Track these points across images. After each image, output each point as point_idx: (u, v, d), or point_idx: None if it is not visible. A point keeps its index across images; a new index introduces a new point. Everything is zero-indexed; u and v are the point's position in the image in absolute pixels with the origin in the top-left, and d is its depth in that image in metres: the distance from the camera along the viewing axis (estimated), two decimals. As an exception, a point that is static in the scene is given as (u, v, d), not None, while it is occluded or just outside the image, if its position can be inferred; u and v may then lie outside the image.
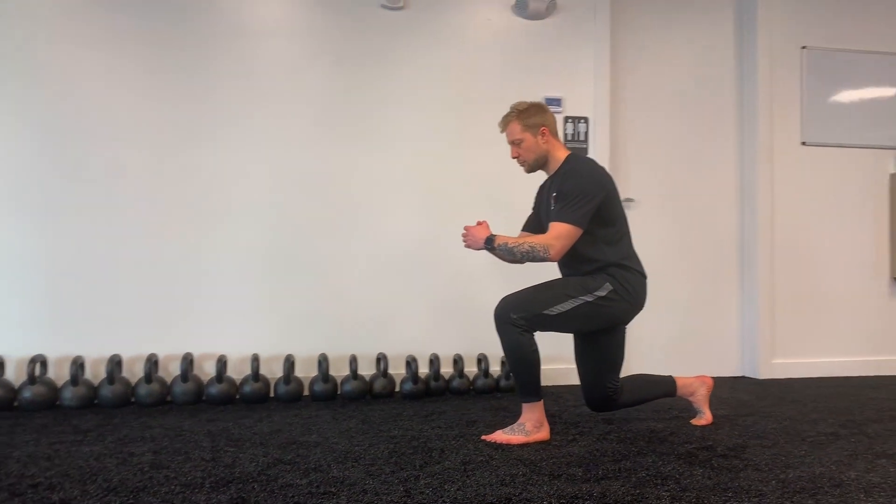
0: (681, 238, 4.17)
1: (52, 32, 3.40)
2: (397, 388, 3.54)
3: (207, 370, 3.46)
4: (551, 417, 2.89)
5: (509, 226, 3.03)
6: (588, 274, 2.58)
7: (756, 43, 4.20)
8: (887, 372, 4.30)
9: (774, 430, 2.75)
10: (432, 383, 3.50)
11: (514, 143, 2.69)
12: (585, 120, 3.95)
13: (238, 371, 3.48)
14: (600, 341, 2.66)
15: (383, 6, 3.73)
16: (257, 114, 3.60)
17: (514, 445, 2.47)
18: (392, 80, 3.74)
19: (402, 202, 3.74)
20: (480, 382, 3.56)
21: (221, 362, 3.31)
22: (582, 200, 2.49)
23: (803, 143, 4.28)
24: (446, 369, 3.65)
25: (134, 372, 3.39)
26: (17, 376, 3.27)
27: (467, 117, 3.81)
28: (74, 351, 3.34)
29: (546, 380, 2.57)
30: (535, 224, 2.82)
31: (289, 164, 3.62)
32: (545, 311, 2.48)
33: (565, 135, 3.90)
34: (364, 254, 3.68)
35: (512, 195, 3.64)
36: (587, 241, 2.56)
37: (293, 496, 1.90)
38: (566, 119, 3.91)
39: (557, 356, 3.63)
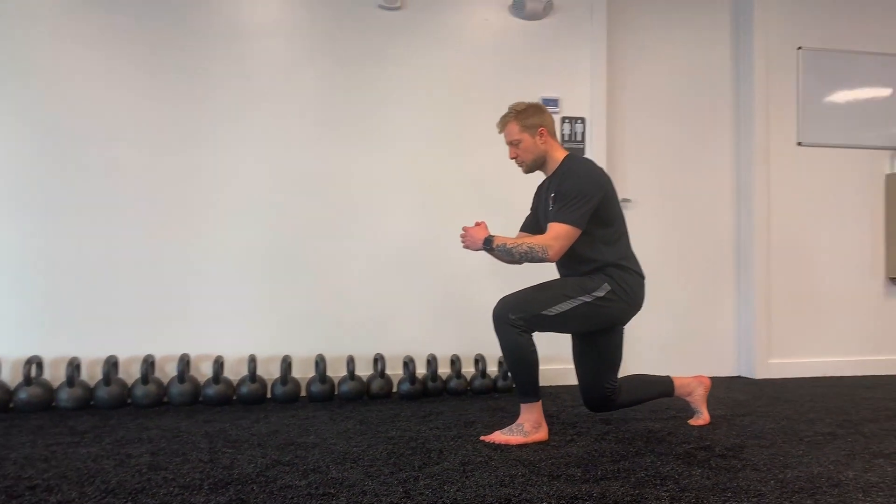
0: (677, 238, 4.18)
1: (51, 32, 3.38)
2: (395, 389, 3.54)
3: (204, 371, 3.45)
4: (549, 418, 2.89)
5: (507, 226, 3.03)
6: (586, 274, 2.58)
7: (752, 43, 4.21)
8: (882, 371, 4.31)
9: (772, 429, 2.76)
10: (430, 384, 3.50)
11: (513, 144, 2.69)
12: (582, 120, 3.95)
13: (235, 372, 3.47)
14: (599, 341, 2.66)
15: (380, 6, 3.72)
16: (255, 114, 3.59)
17: (512, 446, 2.47)
18: (389, 80, 3.74)
19: (399, 202, 3.74)
20: (478, 383, 3.56)
21: (218, 363, 3.30)
22: (580, 201, 2.50)
23: (799, 144, 4.29)
24: (444, 370, 3.65)
25: (130, 373, 3.37)
26: (12, 377, 3.25)
27: (465, 117, 3.81)
28: (70, 352, 3.33)
29: (544, 380, 2.58)
30: (534, 224, 2.82)
31: (286, 165, 3.62)
32: (544, 312, 2.48)
33: (562, 135, 3.91)
34: (361, 254, 3.68)
35: (510, 195, 3.64)
36: (585, 242, 2.56)
37: (293, 497, 1.89)
38: (563, 119, 3.92)
39: (555, 356, 3.64)
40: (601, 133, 3.96)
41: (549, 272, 2.80)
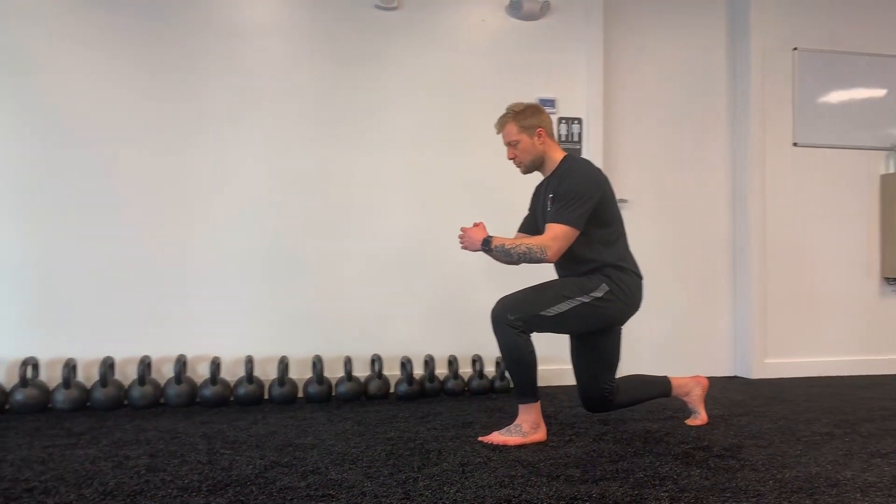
0: (674, 238, 4.19)
1: (49, 32, 3.37)
2: (392, 390, 3.53)
3: (201, 372, 3.44)
4: (547, 418, 2.88)
5: (505, 227, 3.02)
6: (584, 275, 2.58)
7: (748, 44, 4.22)
8: (877, 371, 4.33)
9: (769, 429, 2.77)
10: (427, 384, 3.50)
11: (511, 145, 2.69)
12: (579, 121, 3.96)
13: (232, 373, 3.46)
14: (596, 342, 2.67)
15: (377, 6, 3.72)
16: (251, 114, 3.58)
17: (511, 446, 2.47)
18: (386, 80, 3.74)
19: (397, 203, 3.73)
20: (475, 383, 3.56)
21: (215, 364, 3.29)
22: (579, 201, 2.50)
23: (795, 144, 4.31)
24: (441, 370, 3.65)
25: (127, 374, 3.36)
26: (8, 379, 3.24)
27: (462, 117, 3.81)
28: (66, 353, 3.31)
29: (541, 380, 2.57)
30: (532, 225, 2.82)
31: (282, 165, 3.61)
32: (542, 312, 2.48)
33: (559, 136, 3.91)
34: (358, 255, 3.68)
35: (507, 196, 3.63)
36: (583, 242, 2.56)
37: (292, 499, 1.89)
38: (560, 120, 3.92)
39: (552, 357, 3.63)
40: (598, 134, 3.96)
41: (547, 272, 2.80)
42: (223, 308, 3.51)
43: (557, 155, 2.69)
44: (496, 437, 2.52)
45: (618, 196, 3.87)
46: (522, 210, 2.94)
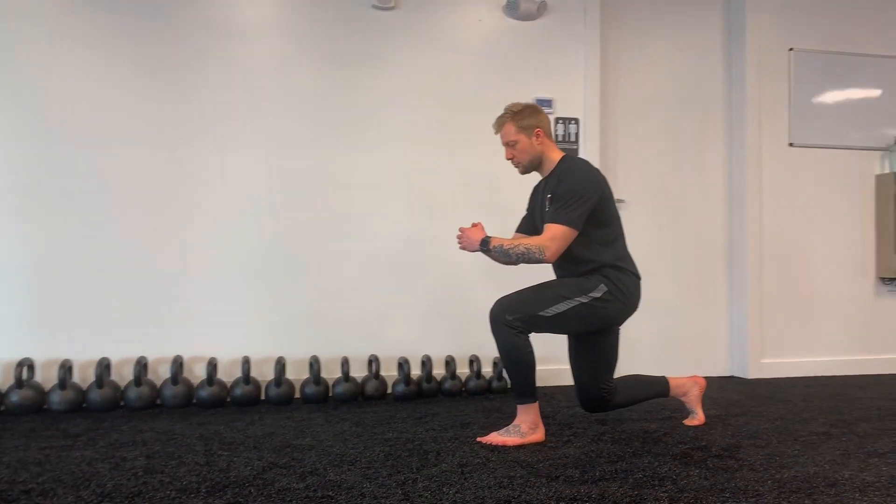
0: (670, 239, 4.19)
1: (45, 31, 3.35)
2: (389, 390, 3.52)
3: (198, 373, 3.43)
4: (545, 418, 2.88)
5: (504, 227, 3.03)
6: (583, 275, 2.58)
7: (744, 45, 4.23)
8: (872, 371, 4.34)
9: (767, 429, 2.77)
10: (424, 385, 3.49)
11: (509, 145, 2.68)
12: (576, 121, 3.96)
13: (229, 374, 3.45)
14: (595, 342, 2.67)
15: (374, 6, 3.71)
16: (248, 114, 3.57)
17: (509, 447, 2.47)
18: (383, 80, 3.73)
19: (393, 203, 3.73)
20: (472, 384, 3.56)
21: (212, 365, 3.28)
22: (577, 202, 2.50)
23: (791, 145, 4.32)
24: (438, 371, 3.64)
25: (123, 375, 3.34)
26: (3, 380, 3.22)
27: (459, 117, 3.81)
28: (62, 354, 3.30)
29: (539, 380, 2.57)
30: (530, 225, 2.82)
31: (279, 165, 3.60)
32: (540, 313, 2.48)
33: (556, 136, 3.91)
34: (356, 255, 3.67)
35: (506, 196, 3.64)
36: (582, 243, 2.56)
37: (291, 500, 1.88)
38: (557, 120, 3.92)
39: (550, 357, 3.62)
40: (594, 134, 3.97)
41: (545, 273, 2.80)
42: (220, 308, 3.50)
43: (555, 155, 2.69)
44: (495, 438, 2.52)
45: (615, 196, 3.90)
46: (520, 210, 2.94)
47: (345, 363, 3.40)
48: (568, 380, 3.41)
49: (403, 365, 3.45)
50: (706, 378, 3.17)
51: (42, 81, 3.35)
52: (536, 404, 2.56)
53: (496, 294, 2.68)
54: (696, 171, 4.26)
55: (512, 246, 2.52)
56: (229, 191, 3.54)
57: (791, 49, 4.31)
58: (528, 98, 3.69)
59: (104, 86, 3.42)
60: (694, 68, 4.28)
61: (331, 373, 3.53)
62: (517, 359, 2.48)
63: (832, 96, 4.38)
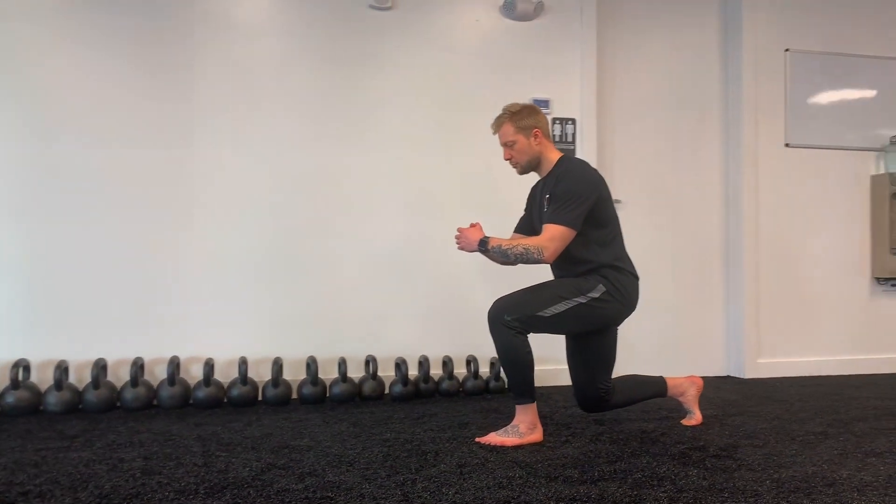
0: (666, 239, 4.20)
1: (44, 31, 3.33)
2: (387, 391, 3.52)
3: (194, 373, 3.42)
4: (542, 419, 2.88)
5: (501, 228, 3.02)
6: (581, 275, 2.58)
7: (741, 45, 4.24)
8: (868, 370, 4.35)
9: (764, 429, 2.78)
10: (422, 385, 3.49)
11: (507, 145, 2.68)
12: (573, 121, 3.96)
13: (225, 374, 3.44)
14: (592, 342, 2.67)
15: (371, 6, 3.71)
16: (245, 114, 3.56)
17: (508, 447, 2.47)
18: (380, 80, 3.73)
19: (390, 203, 3.72)
20: (470, 384, 3.56)
21: (209, 365, 3.27)
22: (575, 202, 2.50)
23: (787, 145, 4.33)
24: (435, 371, 3.64)
25: (119, 376, 3.33)
26: (-1, 381, 3.21)
27: (455, 118, 3.80)
28: (58, 355, 3.28)
29: (536, 381, 2.57)
30: (528, 225, 2.82)
31: (276, 165, 3.59)
32: (539, 313, 2.48)
33: (553, 136, 3.91)
34: (353, 255, 3.66)
35: (502, 196, 3.64)
36: (580, 243, 2.56)
37: (290, 501, 1.88)
38: (554, 120, 3.92)
39: (547, 357, 3.62)
40: (591, 134, 3.97)
41: (542, 273, 2.80)
42: (217, 309, 3.49)
43: (554, 155, 2.69)
44: (493, 438, 2.52)
45: (612, 196, 3.91)
46: (518, 210, 2.94)
47: (342, 364, 3.40)
48: (565, 380, 3.41)
49: (401, 365, 3.45)
50: (703, 378, 3.17)
51: (40, 81, 3.34)
52: (535, 404, 2.56)
53: (493, 294, 2.68)
54: (692, 171, 4.27)
55: (510, 246, 2.52)
56: (226, 191, 3.53)
57: (787, 50, 4.33)
58: (525, 98, 3.69)
59: (102, 86, 3.41)
60: (690, 68, 4.28)
61: (328, 373, 3.52)
62: (516, 359, 2.48)
63: (828, 97, 4.40)
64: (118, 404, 3.21)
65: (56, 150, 3.35)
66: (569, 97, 3.96)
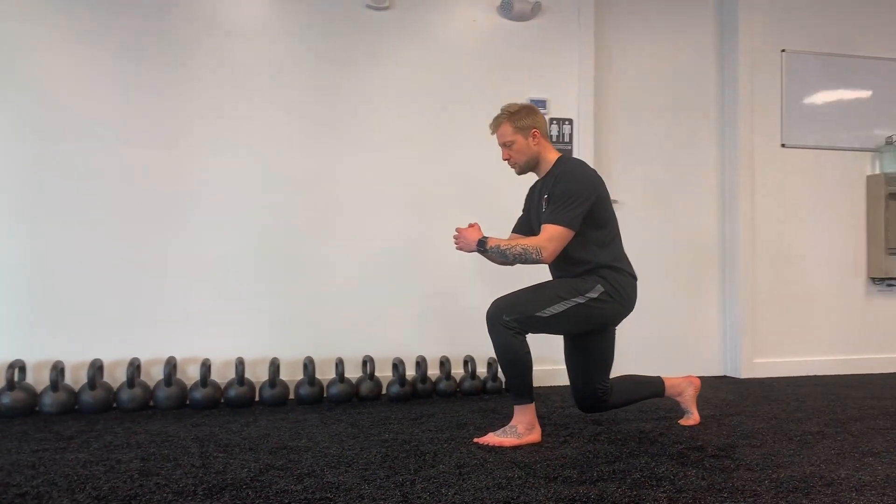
0: (663, 239, 4.20)
1: (37, 30, 3.32)
2: (384, 391, 3.51)
3: (191, 374, 3.41)
4: (540, 419, 2.87)
5: (499, 228, 3.02)
6: (579, 276, 2.58)
7: (737, 46, 4.25)
8: (864, 370, 4.37)
9: (762, 429, 2.78)
10: (419, 385, 3.48)
11: (506, 145, 2.68)
12: (570, 122, 3.96)
13: (222, 375, 3.43)
14: (591, 342, 2.67)
15: (368, 6, 3.70)
16: (241, 114, 3.55)
17: (506, 448, 2.46)
18: (377, 80, 3.72)
19: (387, 203, 3.72)
20: (467, 384, 3.55)
21: (205, 366, 3.26)
22: (574, 202, 2.50)
23: (783, 145, 4.34)
24: (433, 371, 3.64)
25: (115, 377, 3.32)
26: (-6, 382, 3.19)
27: (453, 118, 3.80)
28: (54, 356, 3.27)
29: (534, 381, 2.57)
30: (526, 226, 2.81)
31: (273, 165, 3.58)
32: (538, 314, 2.48)
33: (550, 136, 3.91)
34: (350, 255, 3.66)
35: (499, 197, 3.64)
36: (578, 243, 2.56)
37: (290, 503, 1.87)
38: (551, 121, 3.92)
39: (544, 357, 3.63)
40: (588, 134, 3.97)
41: (540, 273, 2.80)
42: (213, 309, 3.48)
43: (552, 156, 2.69)
44: (492, 439, 2.52)
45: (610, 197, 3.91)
46: (516, 211, 2.94)
47: (339, 364, 3.39)
48: (562, 380, 3.42)
49: (398, 366, 3.44)
50: (699, 378, 3.18)
51: (35, 81, 3.32)
52: (533, 405, 2.55)
53: (491, 295, 2.68)
54: (689, 171, 4.27)
55: (509, 246, 2.52)
56: (223, 191, 3.52)
57: (783, 50, 4.34)
58: (522, 98, 3.70)
59: (101, 87, 3.39)
60: (687, 69, 4.29)
61: (325, 374, 3.52)
62: (514, 359, 2.48)
63: (824, 97, 4.41)
64: (114, 405, 3.20)
65: (51, 150, 3.33)
66: (566, 97, 3.97)
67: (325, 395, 3.41)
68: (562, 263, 2.60)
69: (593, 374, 2.68)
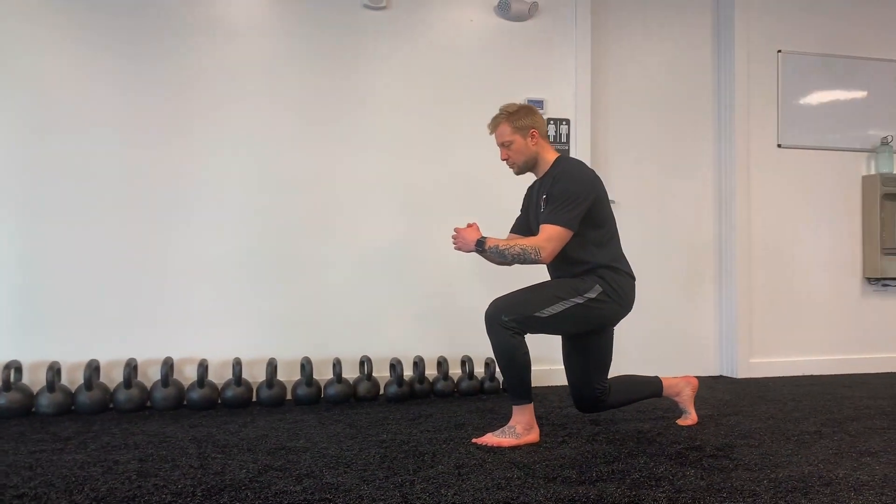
0: (660, 239, 4.21)
1: (35, 30, 3.30)
2: (381, 392, 3.51)
3: (188, 375, 3.40)
4: (538, 419, 2.87)
5: (498, 228, 3.02)
6: (578, 276, 2.58)
7: (733, 46, 4.25)
8: (860, 370, 4.38)
9: (759, 429, 2.79)
10: (417, 386, 3.48)
11: (504, 145, 2.68)
12: (567, 122, 3.97)
13: (219, 375, 3.42)
14: (589, 342, 2.67)
15: (365, 6, 3.70)
16: (239, 114, 3.54)
17: (505, 448, 2.46)
18: (374, 80, 3.72)
19: (385, 203, 3.72)
20: (465, 384, 3.55)
21: (203, 367, 3.25)
22: (573, 202, 2.50)
23: (779, 146, 4.35)
24: (430, 371, 3.64)
25: (112, 377, 3.31)
26: (-10, 383, 3.18)
27: (450, 118, 3.80)
28: (50, 356, 3.26)
29: (532, 381, 2.57)
30: (524, 226, 2.82)
31: (270, 165, 3.58)
32: (536, 314, 2.48)
33: (547, 137, 3.91)
34: (347, 256, 3.65)
35: (499, 197, 3.64)
36: (577, 244, 2.56)
37: (289, 503, 1.87)
38: (548, 121, 3.92)
39: (542, 357, 3.63)
40: (585, 134, 3.97)
41: (538, 273, 2.80)
42: (211, 310, 3.47)
43: (550, 156, 2.69)
44: (490, 439, 2.52)
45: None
46: (514, 211, 2.93)
47: (337, 364, 3.39)
48: (560, 380, 3.42)
49: (396, 366, 3.44)
50: (696, 378, 3.18)
51: (34, 81, 3.31)
52: (531, 405, 2.56)
53: (489, 295, 2.68)
54: (685, 171, 4.28)
55: (507, 246, 2.52)
56: (222, 191, 3.51)
57: (779, 51, 4.35)
58: (519, 98, 3.70)
59: (99, 86, 3.38)
60: (683, 69, 4.30)
61: (323, 374, 3.51)
62: (513, 360, 2.48)
63: (820, 98, 4.42)
64: (111, 406, 3.19)
65: (47, 150, 3.32)
66: (563, 97, 3.97)
67: (322, 395, 3.40)
68: (560, 263, 2.60)
69: (592, 374, 2.68)
